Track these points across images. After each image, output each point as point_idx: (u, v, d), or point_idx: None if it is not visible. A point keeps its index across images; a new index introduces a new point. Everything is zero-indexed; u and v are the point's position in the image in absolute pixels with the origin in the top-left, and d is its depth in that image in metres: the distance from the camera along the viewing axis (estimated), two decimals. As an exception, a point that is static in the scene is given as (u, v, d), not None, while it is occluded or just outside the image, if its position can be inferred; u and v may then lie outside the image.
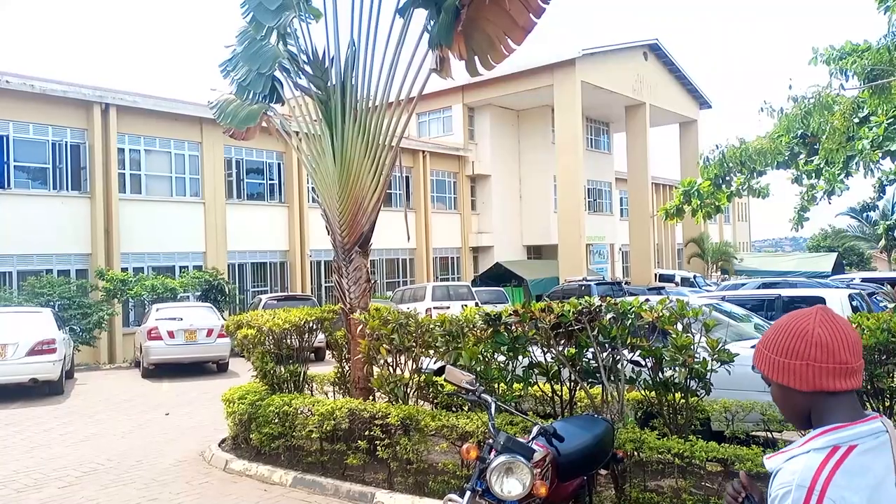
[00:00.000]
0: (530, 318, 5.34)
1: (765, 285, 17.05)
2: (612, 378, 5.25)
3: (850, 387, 1.50)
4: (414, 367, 6.22)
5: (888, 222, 33.18)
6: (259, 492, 6.24)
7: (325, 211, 7.13)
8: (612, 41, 36.29)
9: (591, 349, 5.22)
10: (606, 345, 5.24)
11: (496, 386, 5.57)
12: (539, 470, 3.35)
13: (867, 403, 4.85)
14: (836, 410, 1.50)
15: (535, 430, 3.67)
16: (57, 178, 19.02)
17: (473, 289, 22.95)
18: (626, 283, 28.66)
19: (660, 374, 5.12)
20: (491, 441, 3.37)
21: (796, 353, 1.51)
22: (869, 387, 4.78)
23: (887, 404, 4.83)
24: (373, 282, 7.17)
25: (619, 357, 5.22)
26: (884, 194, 14.63)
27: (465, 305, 7.48)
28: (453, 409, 6.18)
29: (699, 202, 11.17)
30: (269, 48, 7.44)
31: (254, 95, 7.83)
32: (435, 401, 6.50)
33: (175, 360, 14.93)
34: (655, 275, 32.40)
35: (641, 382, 5.25)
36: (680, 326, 5.02)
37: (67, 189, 19.17)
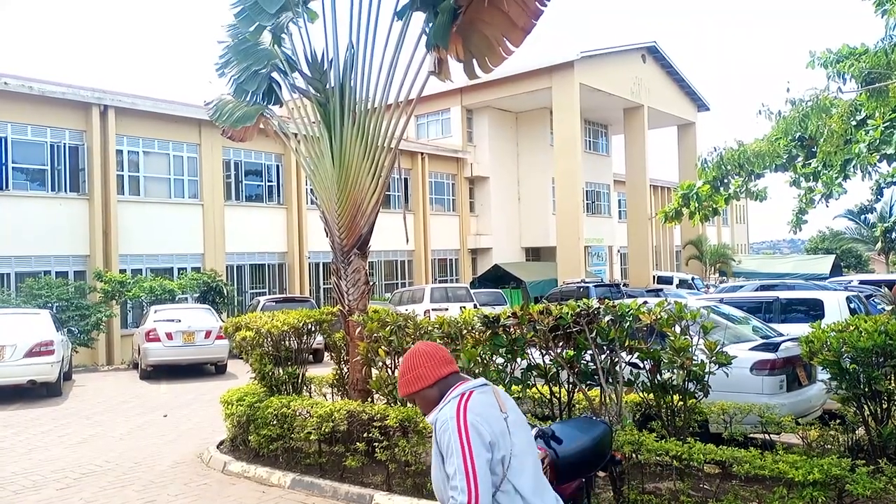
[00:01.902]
0: (529, 320, 5.35)
1: (763, 287, 17.06)
2: (611, 380, 5.25)
3: (453, 370, 2.49)
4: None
5: (885, 225, 33.26)
6: (257, 493, 6.24)
7: (324, 213, 7.14)
8: (610, 44, 36.37)
9: (590, 351, 5.23)
10: (605, 347, 5.24)
11: (494, 388, 5.57)
12: (537, 472, 3.35)
13: (864, 405, 4.86)
14: (453, 383, 2.45)
15: (533, 432, 3.67)
16: (55, 179, 19.01)
17: (472, 290, 22.95)
18: (624, 284, 28.68)
19: (658, 376, 5.13)
20: (489, 443, 3.37)
21: (416, 365, 2.48)
22: (866, 389, 4.79)
23: (885, 406, 4.84)
24: (371, 284, 7.18)
25: (617, 359, 5.22)
26: (881, 197, 14.69)
27: (464, 307, 7.49)
28: (452, 411, 6.18)
29: (697, 205, 11.17)
30: (263, 47, 7.43)
31: (251, 95, 7.83)
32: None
33: (173, 361, 14.92)
34: (654, 277, 32.42)
35: (640, 384, 5.26)
36: (678, 329, 5.04)
37: (66, 190, 19.15)
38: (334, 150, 6.90)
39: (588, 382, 5.39)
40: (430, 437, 5.56)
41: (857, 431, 5.24)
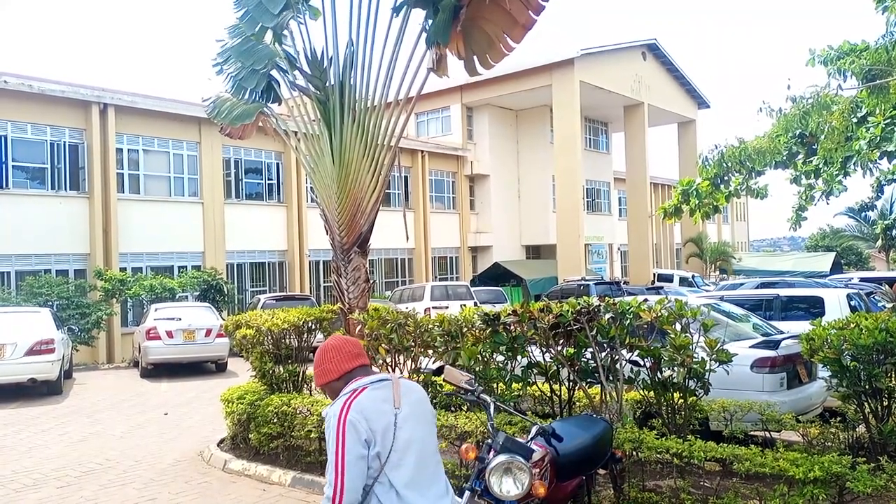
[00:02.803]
0: (529, 318, 5.35)
1: (763, 285, 17.05)
2: (611, 378, 5.25)
3: (359, 363, 2.62)
4: (413, 367, 6.22)
5: (886, 222, 33.26)
6: (258, 491, 6.24)
7: (324, 211, 7.13)
8: (610, 41, 36.32)
9: (590, 349, 5.23)
10: (605, 345, 5.24)
11: (495, 386, 5.58)
12: (538, 470, 3.36)
13: (865, 403, 4.86)
14: (356, 377, 2.58)
15: (533, 429, 3.68)
16: (55, 177, 19.00)
17: (472, 288, 22.95)
18: (624, 282, 28.66)
19: (658, 373, 5.13)
20: (490, 441, 3.37)
21: (324, 360, 2.63)
22: (867, 387, 4.79)
23: (885, 404, 4.84)
24: (371, 282, 7.17)
25: (617, 357, 5.22)
26: (881, 194, 14.65)
27: (464, 305, 7.49)
28: (452, 409, 6.18)
29: (697, 202, 11.16)
30: (264, 47, 7.42)
31: (250, 93, 7.81)
32: (433, 401, 6.49)
33: (173, 359, 14.92)
34: (654, 274, 32.40)
35: (640, 382, 5.26)
36: (678, 326, 5.03)
37: (66, 189, 19.15)
38: (334, 148, 6.89)
39: (588, 380, 5.39)
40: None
41: (857, 429, 5.24)
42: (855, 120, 9.70)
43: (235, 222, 22.77)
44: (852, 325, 4.83)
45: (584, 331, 5.15)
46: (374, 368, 2.73)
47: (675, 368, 5.03)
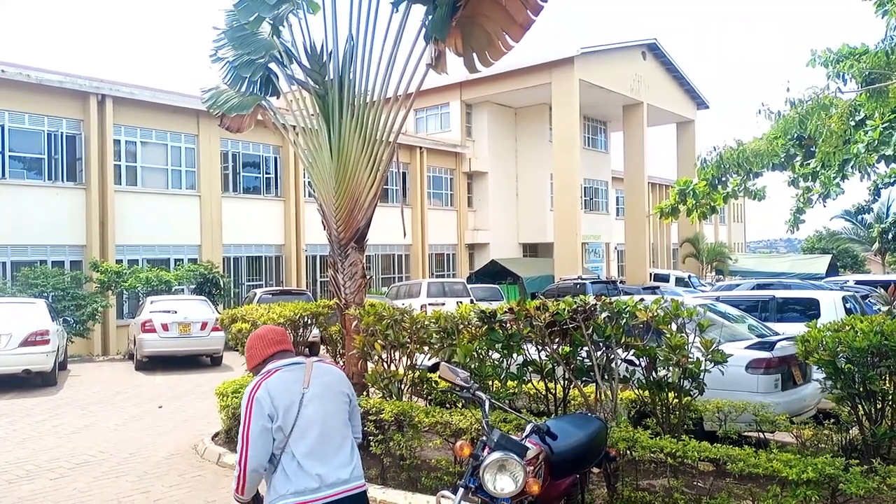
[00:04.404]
0: (525, 315, 5.35)
1: (759, 286, 17.09)
2: (606, 377, 5.26)
3: (279, 349, 3.00)
4: (408, 363, 6.22)
5: (882, 225, 33.36)
6: (251, 486, 6.23)
7: (322, 206, 7.12)
8: (610, 40, 36.30)
9: (586, 348, 5.23)
10: (601, 344, 5.25)
11: (490, 383, 5.58)
12: (532, 468, 3.36)
13: (859, 405, 4.88)
14: (275, 360, 2.95)
15: (528, 427, 3.68)
16: (52, 168, 18.94)
17: (469, 286, 22.95)
18: (621, 282, 28.69)
19: (653, 373, 5.14)
20: (484, 438, 3.38)
21: (250, 346, 3.05)
22: (861, 389, 4.80)
23: (879, 406, 4.85)
24: (368, 277, 7.16)
25: (613, 356, 5.23)
26: (878, 197, 14.70)
27: (461, 302, 7.50)
28: (447, 405, 6.19)
29: (694, 202, 11.17)
30: (262, 37, 7.38)
31: (248, 84, 7.78)
32: (429, 397, 6.50)
33: (169, 353, 14.89)
34: (650, 274, 32.44)
35: (635, 381, 5.27)
36: (674, 326, 5.04)
37: (63, 180, 19.08)
38: (332, 143, 6.88)
39: (584, 379, 5.40)
40: (426, 431, 5.60)
41: (850, 431, 5.26)
42: (853, 123, 9.70)
43: (232, 216, 22.73)
44: (847, 328, 4.85)
45: (581, 329, 5.16)
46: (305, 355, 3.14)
47: (671, 368, 5.04)
